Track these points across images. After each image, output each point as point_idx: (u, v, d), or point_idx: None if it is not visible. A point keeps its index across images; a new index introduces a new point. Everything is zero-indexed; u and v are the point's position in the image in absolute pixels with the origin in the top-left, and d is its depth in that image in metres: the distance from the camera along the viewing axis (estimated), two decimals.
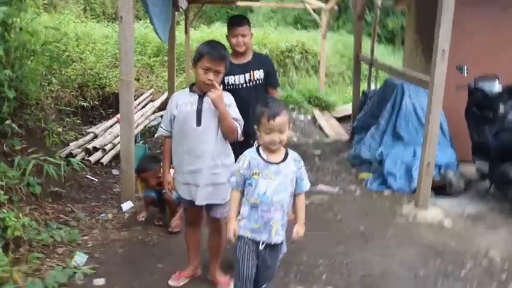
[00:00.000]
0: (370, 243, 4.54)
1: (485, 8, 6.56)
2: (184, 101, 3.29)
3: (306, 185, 2.93)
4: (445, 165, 6.01)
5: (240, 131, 3.35)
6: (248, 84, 4.30)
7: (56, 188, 4.85)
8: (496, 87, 5.78)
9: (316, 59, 13.61)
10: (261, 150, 2.82)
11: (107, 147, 6.90)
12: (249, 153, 2.85)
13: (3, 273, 3.17)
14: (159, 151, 7.64)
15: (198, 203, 3.33)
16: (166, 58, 12.17)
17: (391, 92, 7.02)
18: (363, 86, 9.05)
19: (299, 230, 2.94)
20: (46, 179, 4.68)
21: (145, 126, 8.97)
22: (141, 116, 8.97)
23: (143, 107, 9.75)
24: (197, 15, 13.11)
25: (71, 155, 6.33)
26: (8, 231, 3.56)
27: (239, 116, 3.36)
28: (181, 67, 12.11)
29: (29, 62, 5.22)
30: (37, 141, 5.30)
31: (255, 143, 4.20)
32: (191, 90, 3.34)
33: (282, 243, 2.96)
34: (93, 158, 6.53)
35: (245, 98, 4.10)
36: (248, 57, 4.33)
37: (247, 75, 4.28)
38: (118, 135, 7.23)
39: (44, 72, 7.39)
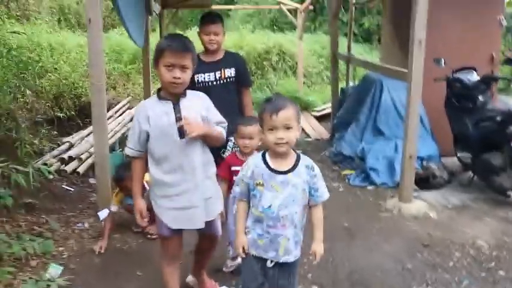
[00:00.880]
0: (356, 239, 4.46)
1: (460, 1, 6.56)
2: (156, 112, 2.77)
3: (323, 196, 2.55)
4: (427, 157, 5.98)
5: (225, 134, 3.00)
6: (218, 82, 4.26)
7: (29, 200, 4.68)
8: (475, 77, 5.76)
9: (294, 60, 13.57)
10: (267, 156, 2.47)
11: (83, 156, 6.72)
12: (253, 160, 2.51)
13: None
14: None
15: (200, 226, 2.89)
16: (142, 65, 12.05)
17: (370, 88, 6.96)
18: (342, 84, 8.99)
19: (317, 248, 2.56)
20: (18, 190, 4.51)
21: (122, 134, 8.78)
22: (118, 124, 8.82)
23: (120, 115, 9.59)
24: (172, 20, 12.99)
25: (45, 165, 6.15)
26: None
27: (222, 118, 3.00)
28: (157, 73, 11.96)
29: None
30: (8, 152, 5.14)
31: (229, 142, 4.13)
32: (160, 98, 2.81)
33: (296, 261, 2.60)
34: (69, 167, 6.35)
35: (216, 96, 4.00)
36: (219, 56, 4.32)
37: (217, 73, 4.25)
38: None
39: (17, 84, 7.20)
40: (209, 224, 2.95)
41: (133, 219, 4.59)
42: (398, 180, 5.54)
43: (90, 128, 8.08)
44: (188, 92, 2.88)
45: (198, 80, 4.18)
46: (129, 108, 10.41)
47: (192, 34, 15.69)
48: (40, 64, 10.60)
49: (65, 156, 6.55)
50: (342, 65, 8.78)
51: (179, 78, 2.70)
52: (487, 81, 5.74)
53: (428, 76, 5.21)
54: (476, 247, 4.24)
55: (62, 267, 3.79)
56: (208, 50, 4.24)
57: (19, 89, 7.57)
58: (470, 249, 4.21)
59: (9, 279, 3.47)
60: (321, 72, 13.88)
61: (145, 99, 8.78)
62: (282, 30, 17.19)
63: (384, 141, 6.37)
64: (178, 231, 2.96)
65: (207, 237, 3.14)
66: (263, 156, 2.49)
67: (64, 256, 4.06)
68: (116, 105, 10.14)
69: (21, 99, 7.73)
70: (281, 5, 12.47)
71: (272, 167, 2.45)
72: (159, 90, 2.85)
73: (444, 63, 5.77)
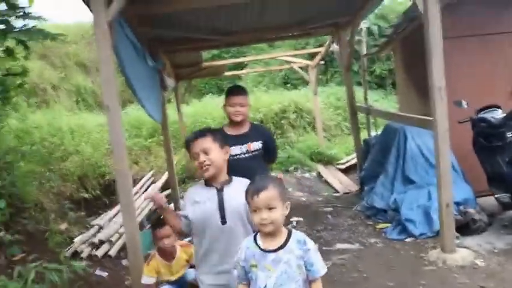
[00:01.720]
0: None
1: (471, 38, 6.55)
2: (201, 197, 2.96)
3: (320, 270, 2.45)
4: (463, 201, 5.80)
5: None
6: (245, 155, 4.23)
7: None
8: (499, 115, 5.65)
9: (311, 115, 13.61)
10: (258, 237, 2.48)
11: (113, 238, 6.66)
12: (245, 243, 2.52)
13: None
14: None
15: None
16: (162, 138, 12.17)
17: (393, 137, 6.90)
18: (363, 135, 8.93)
19: None
20: (52, 285, 4.43)
21: (150, 210, 8.75)
22: (145, 199, 8.77)
23: (145, 190, 9.58)
24: (187, 90, 13.20)
25: (76, 252, 6.11)
26: None
27: None
28: (178, 144, 12.04)
29: (23, 164, 5.11)
30: (39, 245, 5.12)
31: None
32: (206, 184, 3.01)
33: None
34: (100, 252, 6.28)
35: (245, 169, 3.98)
36: (245, 128, 4.30)
37: (244, 146, 4.21)
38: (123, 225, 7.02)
39: (42, 170, 7.28)
40: None
41: None
42: (437, 228, 5.40)
43: (117, 208, 8.06)
44: (235, 179, 3.02)
45: None
46: (153, 182, 10.42)
47: (207, 101, 15.97)
48: (63, 147, 10.81)
49: (95, 240, 6.49)
50: (360, 114, 8.74)
51: (204, 161, 2.89)
52: None
53: (452, 118, 5.12)
54: None
55: None
56: (234, 123, 4.23)
57: (44, 175, 7.67)
58: None
59: None
60: (339, 124, 13.87)
61: (168, 171, 8.95)
62: (294, 86, 17.36)
63: (416, 190, 6.24)
64: None
65: None
66: (254, 237, 2.50)
67: None
68: (139, 180, 10.16)
69: (47, 184, 7.80)
70: (292, 63, 12.62)
71: (262, 247, 2.44)
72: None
73: (466, 104, 5.70)
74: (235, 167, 3.98)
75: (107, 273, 5.78)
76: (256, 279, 2.42)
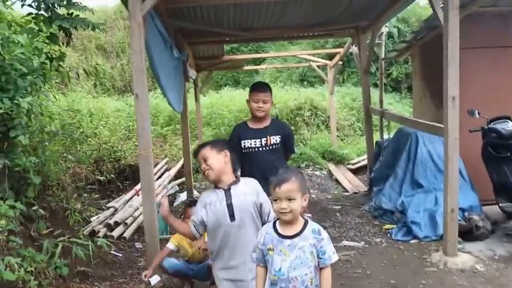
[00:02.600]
0: None
1: (487, 50, 6.70)
2: (212, 199, 3.21)
3: (330, 259, 2.64)
4: (468, 208, 5.96)
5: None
6: (264, 148, 4.43)
7: (83, 268, 4.84)
8: (510, 127, 5.81)
9: (326, 114, 13.74)
10: (277, 224, 2.71)
11: (128, 221, 6.92)
12: (265, 228, 2.77)
13: None
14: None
15: None
16: (178, 126, 12.41)
17: (405, 141, 7.07)
18: (376, 137, 9.09)
19: None
20: (72, 259, 4.68)
21: (162, 197, 8.99)
22: (159, 186, 9.03)
23: (159, 177, 9.83)
24: (206, 81, 13.42)
25: (93, 231, 6.38)
26: None
27: (270, 208, 3.19)
28: (193, 134, 12.27)
29: (49, 144, 5.36)
30: (60, 222, 5.37)
31: None
32: (216, 187, 3.27)
33: None
34: (115, 233, 6.54)
35: (261, 161, 4.27)
36: (266, 123, 4.51)
37: (263, 139, 4.43)
38: (138, 208, 7.29)
39: (59, 150, 7.54)
40: None
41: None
42: (441, 233, 5.57)
43: (132, 192, 8.33)
44: (242, 179, 3.30)
45: (244, 146, 4.39)
46: (166, 169, 10.67)
47: (224, 93, 16.17)
48: (81, 130, 11.06)
49: (111, 221, 6.75)
50: (374, 116, 8.90)
51: (204, 167, 3.21)
52: None
53: (463, 126, 5.28)
54: None
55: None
56: (256, 117, 4.45)
57: (62, 155, 7.93)
58: None
59: None
60: (353, 125, 13.99)
61: (184, 160, 9.19)
62: (311, 84, 17.47)
63: (423, 194, 6.41)
64: None
65: None
66: (274, 223, 2.73)
67: None
68: (154, 167, 10.37)
69: (64, 165, 8.06)
70: (310, 62, 12.77)
71: (280, 232, 2.66)
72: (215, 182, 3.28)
73: (478, 113, 5.86)
74: (254, 159, 4.27)
75: (121, 255, 6.03)
76: (272, 262, 2.63)
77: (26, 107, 3.53)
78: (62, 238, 4.39)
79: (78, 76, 6.78)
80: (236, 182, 3.24)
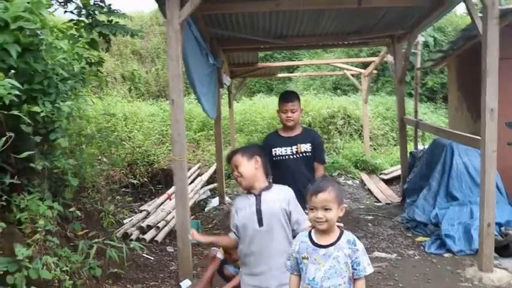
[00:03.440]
0: None
1: None
2: (243, 204, 3.24)
3: (365, 270, 2.60)
4: (505, 223, 5.84)
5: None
6: (295, 156, 4.47)
7: (116, 269, 4.91)
8: None
9: (359, 122, 13.66)
10: (312, 232, 2.69)
11: (160, 225, 6.99)
12: (300, 236, 2.74)
13: None
14: (210, 226, 7.72)
15: None
16: (211, 132, 12.51)
17: (440, 153, 6.96)
18: (410, 147, 8.98)
19: None
20: (106, 260, 4.76)
21: (195, 201, 9.08)
22: (191, 191, 9.11)
23: (191, 182, 9.91)
24: (239, 88, 13.49)
25: (126, 234, 6.47)
26: None
27: (301, 216, 3.20)
28: (226, 140, 12.35)
29: (86, 147, 5.48)
30: (95, 223, 5.46)
31: None
32: (248, 193, 3.29)
33: None
34: (147, 236, 6.61)
35: (291, 169, 4.29)
36: (297, 131, 4.54)
37: (294, 147, 4.47)
38: (170, 212, 7.36)
39: (94, 152, 7.69)
40: None
41: None
42: (476, 247, 5.45)
43: (165, 196, 8.43)
44: (275, 186, 3.29)
45: (275, 154, 4.41)
46: (199, 174, 10.75)
47: (257, 100, 16.23)
48: (115, 133, 11.28)
49: (144, 225, 6.84)
50: (408, 126, 8.80)
51: (236, 174, 3.23)
52: None
53: (501, 139, 5.18)
54: None
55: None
56: (286, 126, 4.48)
57: (97, 158, 8.09)
58: None
59: None
60: (386, 134, 13.87)
61: (217, 165, 9.26)
62: (344, 92, 17.40)
63: (458, 207, 6.29)
64: None
65: None
66: (309, 232, 2.70)
67: None
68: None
69: (99, 168, 8.21)
70: (344, 70, 12.72)
71: (315, 241, 2.64)
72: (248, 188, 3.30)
73: None
74: (285, 167, 4.29)
75: (153, 258, 6.10)
76: (306, 271, 2.62)
77: (67, 111, 3.62)
78: (96, 240, 4.47)
79: (116, 80, 6.87)
80: (268, 188, 3.25)
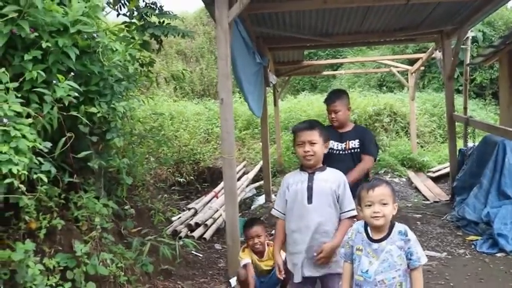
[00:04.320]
0: None
1: None
2: (295, 180, 3.31)
3: (419, 260, 2.62)
4: None
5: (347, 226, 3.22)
6: (344, 152, 4.58)
7: (167, 266, 5.01)
8: None
9: (405, 120, 13.47)
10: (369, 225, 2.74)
11: (208, 222, 7.09)
12: (357, 226, 2.79)
13: None
14: None
15: (308, 274, 3.21)
16: (256, 130, 12.59)
17: (491, 150, 6.79)
18: (459, 144, 8.80)
19: None
20: (157, 257, 4.88)
21: (241, 199, 9.15)
22: (237, 189, 9.18)
23: (237, 180, 9.99)
24: (284, 86, 13.51)
25: (175, 231, 6.60)
26: None
27: (351, 205, 3.23)
28: (271, 138, 12.40)
29: (137, 146, 5.62)
30: (145, 221, 5.58)
31: None
32: (301, 169, 3.36)
33: None
34: (196, 233, 6.72)
35: (340, 164, 4.29)
36: (348, 128, 4.66)
37: (343, 143, 4.58)
38: (218, 210, 7.46)
39: (142, 151, 7.85)
40: (327, 281, 3.28)
41: None
42: None
43: (211, 194, 8.54)
44: (328, 168, 3.35)
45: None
46: (245, 172, 10.83)
47: (302, 98, 16.22)
48: (162, 132, 11.47)
49: (192, 222, 6.95)
50: (457, 122, 8.63)
51: (308, 151, 3.22)
52: None
53: None
54: None
55: None
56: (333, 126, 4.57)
57: (146, 157, 8.26)
58: None
59: None
60: (433, 131, 13.62)
61: (263, 163, 9.30)
62: (390, 89, 17.17)
63: (511, 206, 6.13)
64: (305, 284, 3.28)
65: None
66: (365, 223, 2.74)
67: None
68: None
69: (147, 166, 8.38)
70: (391, 67, 12.56)
71: (370, 235, 2.69)
72: (302, 165, 3.36)
73: None
74: (332, 161, 4.29)
75: (201, 255, 6.20)
76: (360, 263, 2.68)
77: (121, 111, 3.73)
78: (149, 237, 4.59)
79: (166, 81, 7.03)
80: (322, 168, 3.32)
